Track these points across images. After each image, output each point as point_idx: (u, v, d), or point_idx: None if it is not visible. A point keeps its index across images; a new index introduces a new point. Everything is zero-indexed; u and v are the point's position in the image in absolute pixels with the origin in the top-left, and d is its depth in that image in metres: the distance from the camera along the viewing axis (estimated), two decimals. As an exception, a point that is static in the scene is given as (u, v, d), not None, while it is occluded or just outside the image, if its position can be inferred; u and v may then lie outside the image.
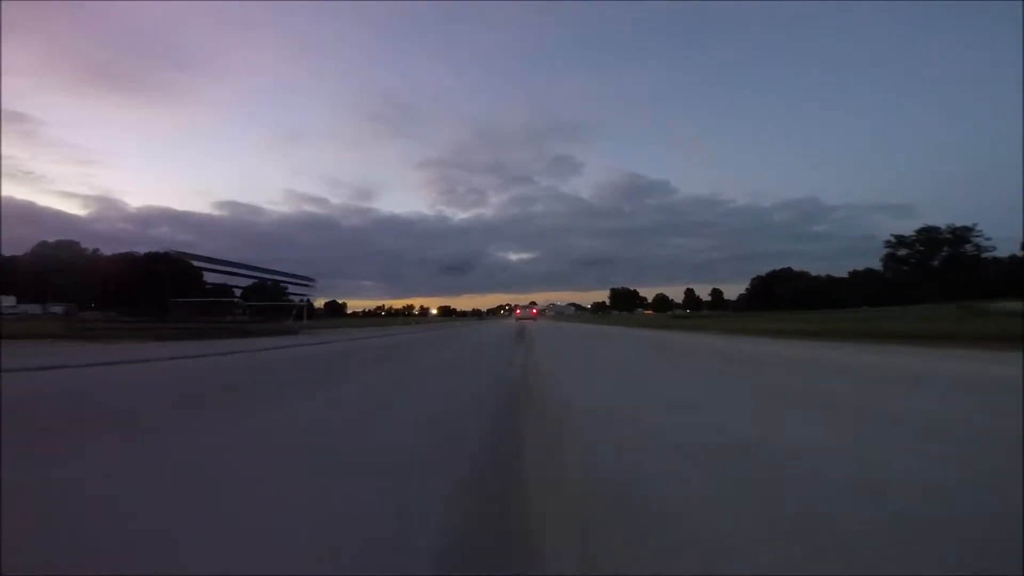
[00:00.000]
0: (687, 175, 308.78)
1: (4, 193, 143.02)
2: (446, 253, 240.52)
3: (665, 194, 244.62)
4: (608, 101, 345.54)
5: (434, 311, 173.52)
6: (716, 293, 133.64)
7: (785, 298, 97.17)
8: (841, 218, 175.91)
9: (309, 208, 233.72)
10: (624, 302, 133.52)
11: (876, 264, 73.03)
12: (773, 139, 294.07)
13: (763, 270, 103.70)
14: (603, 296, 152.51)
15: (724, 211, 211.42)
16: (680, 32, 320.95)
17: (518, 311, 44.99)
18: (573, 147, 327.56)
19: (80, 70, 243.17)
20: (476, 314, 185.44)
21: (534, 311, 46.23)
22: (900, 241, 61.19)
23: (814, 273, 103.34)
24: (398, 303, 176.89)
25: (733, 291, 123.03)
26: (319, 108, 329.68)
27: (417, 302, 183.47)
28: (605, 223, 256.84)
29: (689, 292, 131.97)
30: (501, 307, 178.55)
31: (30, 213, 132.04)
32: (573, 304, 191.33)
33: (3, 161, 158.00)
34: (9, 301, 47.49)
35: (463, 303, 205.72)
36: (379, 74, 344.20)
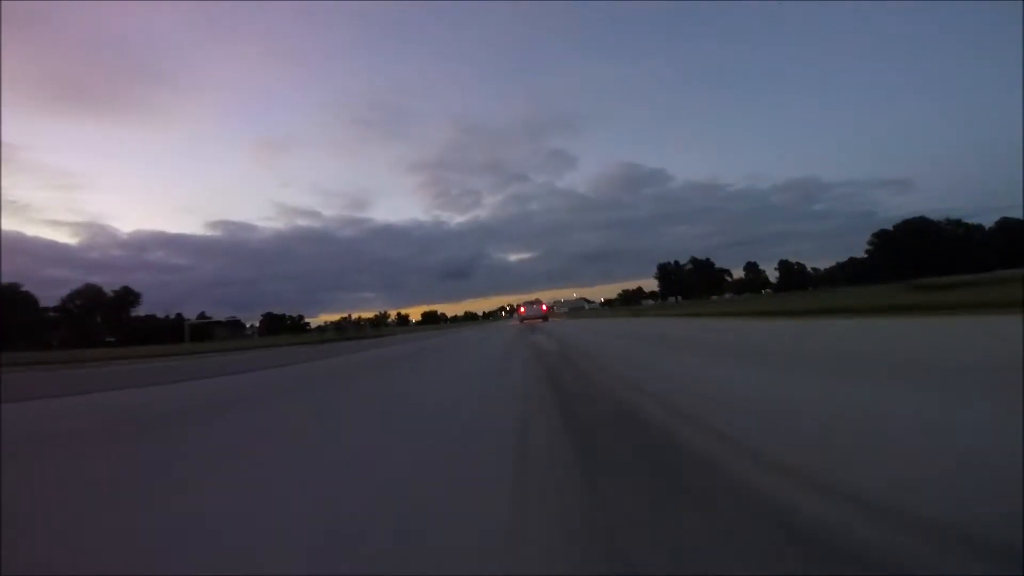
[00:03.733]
0: (683, 162, 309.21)
1: None
2: (444, 259, 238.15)
3: (662, 182, 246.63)
4: (599, 91, 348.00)
5: (417, 318, 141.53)
6: (785, 266, 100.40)
7: (922, 257, 64.52)
8: (840, 196, 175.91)
9: (302, 222, 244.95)
10: (683, 284, 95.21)
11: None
12: (768, 119, 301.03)
13: (765, 254, 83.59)
14: (613, 289, 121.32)
15: (723, 196, 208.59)
16: (669, 18, 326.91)
17: (522, 309, 26.31)
18: (567, 141, 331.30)
19: (54, 89, 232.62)
20: (470, 318, 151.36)
21: (543, 307, 27.09)
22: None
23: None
24: (368, 313, 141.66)
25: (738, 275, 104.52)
26: (303, 114, 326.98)
27: (417, 311, 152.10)
28: (604, 216, 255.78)
29: (752, 265, 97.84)
30: (501, 308, 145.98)
31: (20, 243, 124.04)
32: (584, 299, 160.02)
33: None
34: None
35: (466, 308, 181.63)
36: (363, 75, 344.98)
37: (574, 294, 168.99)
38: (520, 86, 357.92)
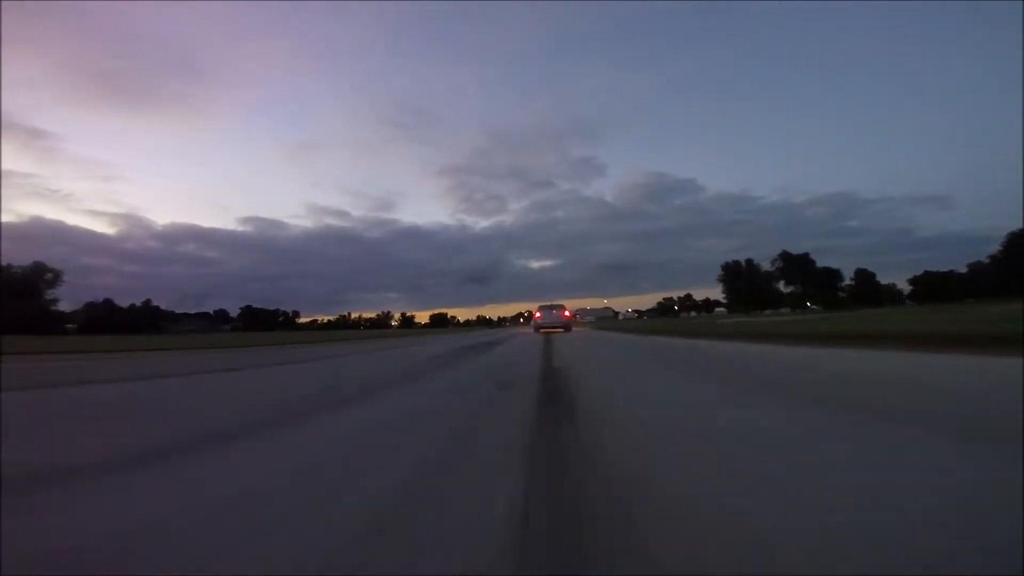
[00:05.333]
0: (715, 172, 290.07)
1: (34, 212, 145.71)
2: (467, 263, 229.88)
3: (692, 193, 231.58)
4: (630, 98, 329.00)
5: (425, 320, 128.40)
6: (864, 276, 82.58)
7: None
8: (877, 212, 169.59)
9: (331, 221, 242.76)
10: (757, 289, 71.49)
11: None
12: (804, 130, 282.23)
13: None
14: (633, 302, 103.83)
15: (755, 208, 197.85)
16: (703, 25, 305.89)
17: (537, 314, 19.77)
18: (595, 148, 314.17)
19: (95, 83, 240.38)
20: (483, 323, 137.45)
21: (565, 312, 19.57)
22: None
23: None
24: (369, 314, 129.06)
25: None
26: (335, 115, 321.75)
27: (426, 314, 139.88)
28: (630, 226, 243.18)
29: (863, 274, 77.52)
30: (520, 314, 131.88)
31: (61, 232, 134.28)
32: (610, 308, 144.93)
33: (28, 180, 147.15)
34: None
35: (488, 313, 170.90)
36: (393, 78, 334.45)
37: (604, 301, 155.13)
38: (549, 93, 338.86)
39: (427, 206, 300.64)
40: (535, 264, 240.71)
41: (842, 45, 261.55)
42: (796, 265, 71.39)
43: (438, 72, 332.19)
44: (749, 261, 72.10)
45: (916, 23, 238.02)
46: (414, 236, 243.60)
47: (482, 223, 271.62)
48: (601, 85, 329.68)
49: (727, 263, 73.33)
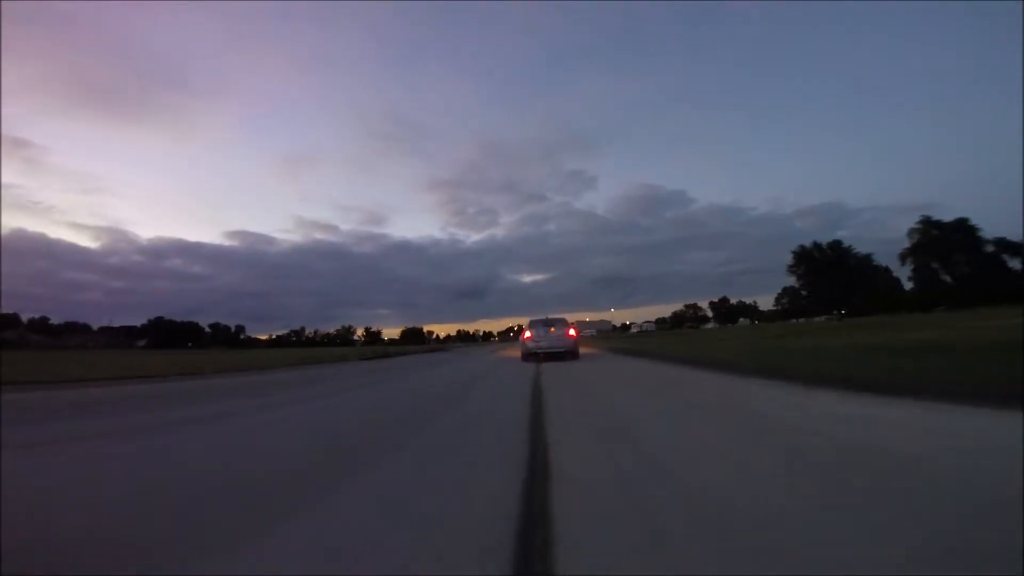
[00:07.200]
0: (705, 184, 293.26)
1: (16, 225, 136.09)
2: (459, 278, 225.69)
3: (683, 205, 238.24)
4: (621, 110, 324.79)
5: (395, 336, 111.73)
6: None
7: None
8: (866, 222, 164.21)
9: (320, 236, 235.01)
10: (846, 284, 48.54)
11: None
12: (793, 141, 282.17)
13: (788, 282, 51.44)
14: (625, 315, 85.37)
15: (745, 220, 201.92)
16: (693, 37, 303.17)
17: (526, 334, 11.56)
18: (586, 160, 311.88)
19: (80, 93, 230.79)
20: (465, 339, 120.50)
21: (570, 331, 11.61)
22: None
23: None
24: (333, 328, 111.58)
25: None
26: (325, 128, 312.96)
27: (395, 330, 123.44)
28: (621, 239, 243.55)
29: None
30: (509, 329, 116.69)
31: (43, 246, 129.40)
32: (608, 321, 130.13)
33: (10, 191, 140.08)
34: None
35: (479, 327, 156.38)
36: (385, 91, 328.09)
37: (612, 310, 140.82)
38: (540, 105, 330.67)
39: (418, 220, 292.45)
40: (527, 278, 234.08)
41: (829, 55, 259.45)
42: (948, 240, 44.48)
43: (430, 85, 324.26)
44: (836, 243, 50.83)
45: (901, 34, 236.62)
46: (405, 251, 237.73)
47: (473, 237, 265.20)
48: (592, 98, 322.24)
49: (801, 248, 51.69)
